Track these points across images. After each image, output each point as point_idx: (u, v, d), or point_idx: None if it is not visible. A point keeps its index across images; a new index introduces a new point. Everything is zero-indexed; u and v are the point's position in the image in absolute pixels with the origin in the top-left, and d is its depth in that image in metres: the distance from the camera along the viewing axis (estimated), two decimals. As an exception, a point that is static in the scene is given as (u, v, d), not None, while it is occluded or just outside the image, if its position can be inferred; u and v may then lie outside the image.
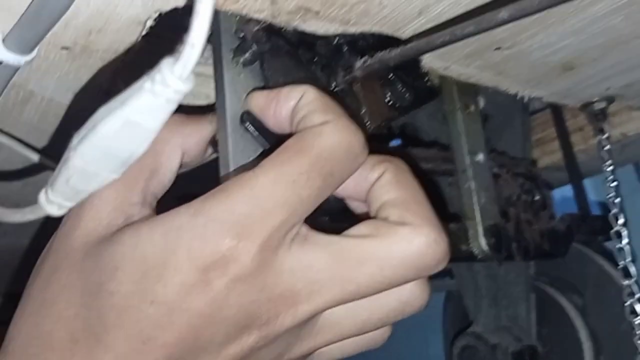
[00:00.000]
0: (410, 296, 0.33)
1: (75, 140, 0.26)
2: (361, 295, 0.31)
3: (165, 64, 0.22)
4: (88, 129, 0.25)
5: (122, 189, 0.32)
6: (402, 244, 0.30)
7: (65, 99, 0.46)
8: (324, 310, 0.31)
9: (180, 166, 0.37)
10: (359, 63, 0.41)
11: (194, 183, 0.35)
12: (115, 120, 0.24)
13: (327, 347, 0.35)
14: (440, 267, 0.32)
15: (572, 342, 0.65)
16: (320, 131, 0.31)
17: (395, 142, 0.68)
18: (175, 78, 0.22)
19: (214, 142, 0.39)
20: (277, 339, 0.31)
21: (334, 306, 0.31)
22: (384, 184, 0.33)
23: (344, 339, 0.33)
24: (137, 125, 0.24)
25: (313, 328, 0.32)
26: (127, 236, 0.30)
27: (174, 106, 0.24)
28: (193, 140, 0.37)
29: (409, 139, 0.62)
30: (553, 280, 0.69)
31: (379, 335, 0.36)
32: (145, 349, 0.28)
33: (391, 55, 0.39)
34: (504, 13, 0.32)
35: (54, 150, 0.51)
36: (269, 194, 0.29)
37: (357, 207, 0.36)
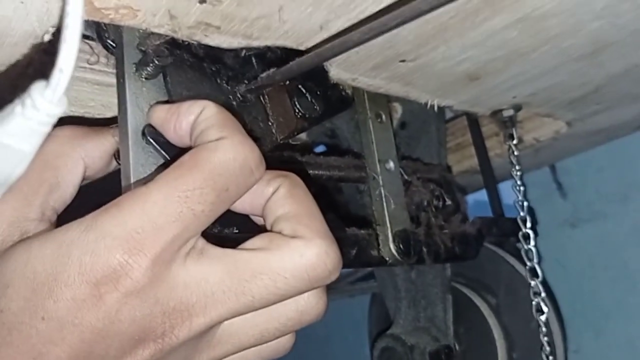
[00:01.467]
0: (307, 305, 0.34)
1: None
2: (256, 307, 0.32)
3: (35, 88, 0.23)
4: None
5: (18, 205, 0.32)
6: (294, 256, 0.32)
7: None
8: (220, 322, 0.32)
9: (84, 179, 0.37)
10: (262, 74, 0.42)
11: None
12: (-15, 144, 0.24)
13: (228, 358, 0.35)
14: (333, 278, 0.33)
15: (487, 340, 0.68)
16: (215, 147, 0.32)
17: (320, 149, 0.69)
18: (46, 102, 0.23)
19: (117, 154, 0.39)
20: (174, 352, 0.31)
21: (230, 318, 0.32)
22: (278, 198, 0.34)
23: (244, 349, 0.34)
24: (10, 148, 0.24)
25: (212, 339, 0.33)
26: (17, 253, 0.30)
27: (48, 128, 0.24)
28: (96, 153, 0.37)
29: (329, 146, 0.63)
30: (469, 281, 0.71)
31: (282, 345, 0.37)
32: None
33: (292, 66, 0.40)
34: (391, 18, 0.33)
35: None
36: (161, 209, 0.29)
37: (259, 220, 0.37)
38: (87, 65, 0.46)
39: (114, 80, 0.46)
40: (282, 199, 0.34)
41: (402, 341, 0.62)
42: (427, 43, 0.45)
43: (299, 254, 0.32)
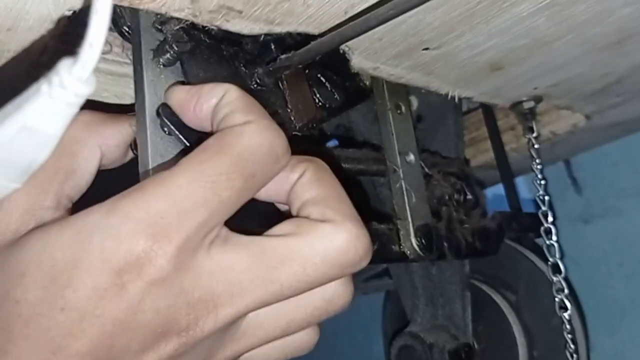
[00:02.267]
0: (334, 294, 0.32)
1: (-30, 148, 0.24)
2: (285, 296, 0.30)
3: (63, 65, 0.21)
4: (-19, 136, 0.23)
5: (33, 192, 0.31)
6: (324, 241, 0.30)
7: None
8: (247, 313, 0.30)
9: (100, 166, 0.35)
10: (278, 60, 0.40)
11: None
12: (10, 126, 0.22)
13: (251, 353, 0.34)
14: (363, 264, 0.31)
15: (507, 338, 0.66)
16: (241, 131, 0.30)
17: (331, 143, 0.68)
18: (74, 80, 0.21)
19: (134, 145, 0.37)
20: (198, 346, 0.29)
21: (257, 308, 0.30)
22: (304, 183, 0.32)
23: (269, 341, 0.33)
24: (35, 131, 0.22)
25: (236, 332, 0.31)
26: (34, 240, 0.28)
27: (75, 110, 0.22)
28: (113, 142, 0.36)
29: (343, 140, 0.62)
30: (487, 278, 0.70)
31: (305, 342, 0.35)
32: (55, 359, 0.26)
33: (313, 46, 0.38)
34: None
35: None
36: (187, 193, 0.28)
37: (282, 208, 0.35)
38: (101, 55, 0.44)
39: (127, 70, 0.45)
40: (309, 183, 0.32)
41: (421, 339, 0.61)
42: (453, 30, 0.44)
43: (329, 239, 0.30)
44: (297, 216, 0.32)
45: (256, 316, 0.31)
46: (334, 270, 0.30)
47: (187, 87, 0.35)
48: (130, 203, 0.27)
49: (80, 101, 0.22)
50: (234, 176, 0.29)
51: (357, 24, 0.34)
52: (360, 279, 0.80)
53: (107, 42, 0.44)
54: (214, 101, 0.33)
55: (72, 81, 0.21)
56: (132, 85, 0.37)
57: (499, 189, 0.82)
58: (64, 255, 0.27)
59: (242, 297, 0.29)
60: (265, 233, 0.31)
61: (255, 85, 0.42)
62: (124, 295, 0.27)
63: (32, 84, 0.21)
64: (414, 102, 0.66)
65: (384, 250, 0.49)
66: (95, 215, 0.28)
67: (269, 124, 0.31)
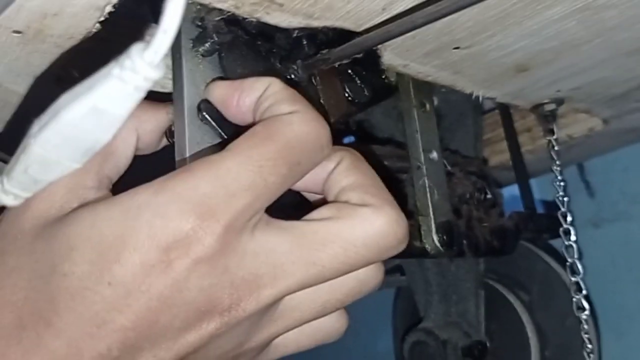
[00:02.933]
0: (368, 275, 0.33)
1: (35, 127, 0.25)
2: (325, 278, 0.31)
3: (135, 49, 0.22)
4: (50, 115, 0.24)
5: (76, 172, 0.31)
6: (364, 224, 0.30)
7: (14, 85, 0.44)
8: (288, 294, 0.30)
9: (136, 151, 0.36)
10: (317, 56, 0.41)
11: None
12: (81, 107, 0.23)
13: (283, 339, 0.34)
14: (401, 248, 0.32)
15: (519, 338, 0.67)
16: (289, 120, 0.31)
17: (348, 140, 0.68)
18: (145, 64, 0.22)
19: (169, 132, 0.38)
20: (238, 326, 0.30)
21: (298, 290, 0.30)
22: (341, 170, 0.33)
23: (304, 323, 0.33)
24: (103, 113, 0.23)
25: (274, 314, 0.32)
26: (83, 216, 0.28)
27: (142, 94, 0.23)
28: (149, 126, 0.36)
29: (363, 136, 0.62)
30: (501, 277, 0.70)
31: (337, 329, 0.36)
32: (99, 333, 0.27)
33: (348, 47, 0.39)
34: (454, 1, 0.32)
35: (3, 141, 0.49)
36: (235, 176, 0.28)
37: (310, 198, 0.36)
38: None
39: (167, 61, 0.46)
40: (346, 170, 0.33)
41: (435, 335, 0.61)
42: (485, 30, 0.44)
43: (369, 222, 0.30)
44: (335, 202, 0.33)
45: (293, 298, 0.32)
46: (373, 253, 0.31)
47: (228, 82, 0.35)
48: (179, 183, 0.28)
49: (149, 85, 0.22)
50: (281, 162, 0.29)
51: (404, 22, 0.35)
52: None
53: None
54: (257, 94, 0.33)
55: (143, 65, 0.22)
56: (171, 76, 0.38)
57: (510, 191, 0.83)
58: (112, 231, 0.27)
59: (285, 278, 0.29)
60: (305, 217, 0.32)
61: (290, 82, 0.42)
62: (170, 272, 0.27)
63: (101, 68, 0.22)
64: (435, 100, 0.67)
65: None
66: (143, 193, 0.28)
67: (315, 114, 0.32)
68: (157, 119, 0.37)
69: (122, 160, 0.35)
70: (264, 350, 0.34)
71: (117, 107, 0.23)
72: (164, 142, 0.39)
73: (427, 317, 0.64)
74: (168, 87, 0.45)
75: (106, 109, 0.23)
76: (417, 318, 0.67)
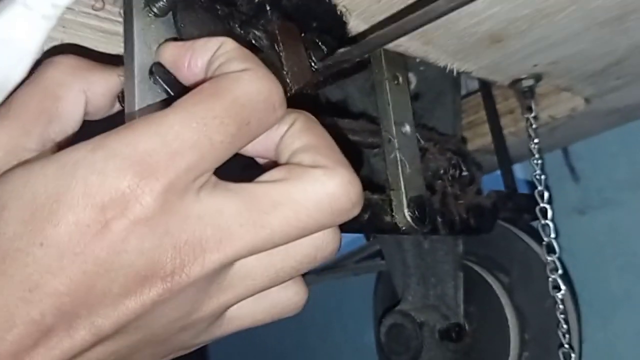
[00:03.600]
0: (324, 241, 0.31)
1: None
2: (275, 243, 0.29)
3: (42, -28, 0.20)
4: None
5: (15, 134, 0.30)
6: (316, 186, 0.29)
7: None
8: (235, 259, 0.29)
9: (86, 115, 0.35)
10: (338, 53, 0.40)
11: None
12: (-16, 36, 0.21)
13: (238, 311, 0.33)
14: (355, 212, 0.30)
15: (498, 319, 0.65)
16: (238, 77, 0.29)
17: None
18: (53, -12, 0.20)
19: (122, 96, 0.37)
20: (183, 293, 0.28)
21: (247, 255, 0.29)
22: (294, 132, 0.31)
23: (257, 292, 0.32)
24: (10, 42, 0.21)
25: (223, 281, 0.30)
26: (16, 174, 0.27)
27: (52, 23, 0.22)
28: (99, 89, 0.35)
29: (337, 111, 0.61)
30: (481, 259, 0.69)
31: (294, 302, 0.34)
32: (32, 297, 0.26)
33: (368, 42, 0.39)
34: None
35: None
36: (177, 133, 0.27)
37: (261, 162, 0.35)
38: (92, 12, 0.43)
39: (119, 29, 0.44)
40: (299, 132, 0.31)
41: (412, 318, 0.60)
42: (452, -6, 0.43)
43: (321, 183, 0.29)
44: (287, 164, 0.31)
45: (244, 265, 0.30)
46: (325, 216, 0.29)
47: (180, 43, 0.34)
48: (118, 140, 0.27)
49: (57, 13, 0.21)
50: (228, 121, 0.28)
51: (418, 16, 0.34)
52: (353, 260, 0.79)
53: (100, -2, 0.43)
54: (209, 54, 0.32)
55: (50, -10, 0.20)
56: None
57: (493, 175, 0.82)
58: (46, 189, 0.26)
59: (231, 242, 0.28)
60: (256, 180, 0.30)
61: (249, 46, 0.41)
62: (107, 232, 0.26)
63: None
64: (413, 79, 0.66)
65: (375, 220, 0.49)
66: (80, 150, 0.27)
67: (267, 72, 0.30)
68: (108, 80, 0.35)
69: (69, 122, 0.33)
70: (216, 323, 0.33)
71: (24, 37, 0.22)
72: (117, 106, 0.37)
73: (404, 300, 0.63)
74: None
75: (11, 39, 0.21)
76: (397, 302, 0.66)
